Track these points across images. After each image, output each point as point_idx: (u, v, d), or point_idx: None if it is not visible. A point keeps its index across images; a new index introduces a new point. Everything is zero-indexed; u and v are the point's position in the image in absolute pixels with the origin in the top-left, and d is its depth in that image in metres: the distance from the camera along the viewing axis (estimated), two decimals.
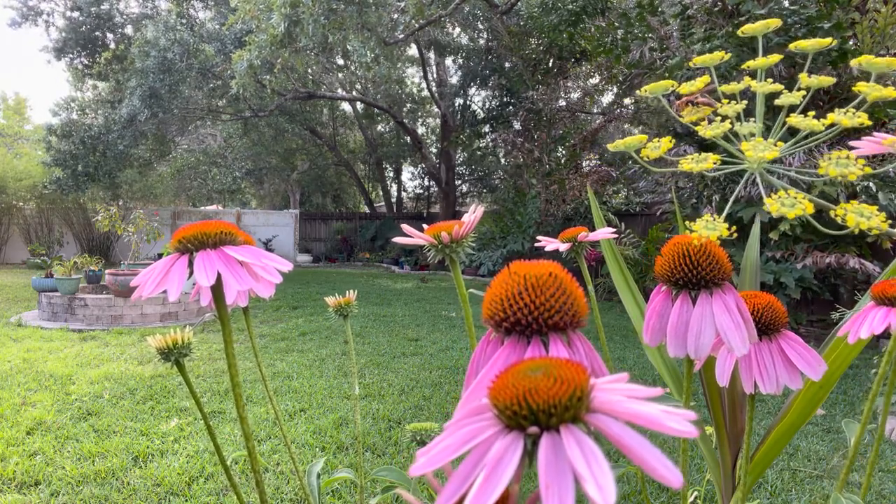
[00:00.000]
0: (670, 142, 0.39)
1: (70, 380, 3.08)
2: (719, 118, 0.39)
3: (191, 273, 0.35)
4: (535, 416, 0.18)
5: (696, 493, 1.11)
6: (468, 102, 12.14)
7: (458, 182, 13.59)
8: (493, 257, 8.56)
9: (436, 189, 13.96)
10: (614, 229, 0.66)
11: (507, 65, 10.23)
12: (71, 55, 10.85)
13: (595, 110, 9.06)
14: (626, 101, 8.33)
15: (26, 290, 6.68)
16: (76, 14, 10.56)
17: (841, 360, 0.66)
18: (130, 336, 4.28)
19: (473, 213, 0.46)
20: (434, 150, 13.96)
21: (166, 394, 2.88)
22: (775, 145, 0.35)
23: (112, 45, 10.75)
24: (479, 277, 8.71)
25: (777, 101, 0.38)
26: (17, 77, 70.24)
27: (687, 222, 0.38)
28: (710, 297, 0.40)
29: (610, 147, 0.41)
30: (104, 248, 11.25)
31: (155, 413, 2.60)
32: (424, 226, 0.48)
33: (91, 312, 4.79)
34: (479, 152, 12.72)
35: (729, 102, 0.40)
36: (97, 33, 10.69)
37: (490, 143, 11.70)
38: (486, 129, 11.59)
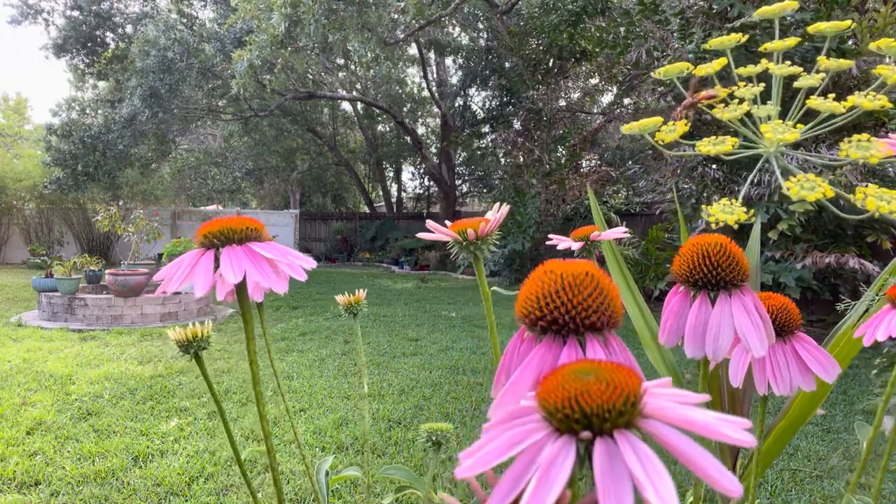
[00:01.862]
0: (686, 125, 0.38)
1: (70, 380, 3.07)
2: (736, 101, 0.38)
3: (216, 268, 0.34)
4: (588, 421, 0.18)
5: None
6: (468, 102, 12.14)
7: (458, 182, 13.60)
8: (493, 257, 8.56)
9: (436, 189, 13.96)
10: (624, 229, 0.66)
11: (507, 65, 10.22)
12: (71, 54, 10.84)
13: (595, 110, 9.06)
14: (626, 101, 8.33)
15: (26, 290, 6.67)
16: (76, 13, 10.55)
17: (840, 358, 0.66)
18: (130, 336, 4.27)
19: (498, 212, 0.46)
20: (434, 150, 13.96)
21: (166, 394, 2.88)
22: (793, 127, 0.35)
23: (112, 45, 10.74)
24: None
25: (796, 84, 0.37)
26: (17, 77, 70.09)
27: (703, 206, 0.38)
28: (729, 297, 0.40)
29: (624, 129, 0.41)
30: (104, 248, 11.23)
31: (155, 413, 2.59)
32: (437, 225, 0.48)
33: (91, 312, 4.79)
34: (479, 152, 12.72)
35: (746, 85, 0.39)
36: (97, 32, 10.68)
37: (490, 143, 11.71)
38: (486, 129, 11.59)
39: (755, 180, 4.37)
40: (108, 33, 10.85)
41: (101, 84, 11.30)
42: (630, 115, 7.71)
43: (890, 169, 4.29)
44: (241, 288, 0.37)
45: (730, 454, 0.84)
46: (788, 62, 0.39)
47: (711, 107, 0.40)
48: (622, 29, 5.57)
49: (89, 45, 10.72)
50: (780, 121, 0.36)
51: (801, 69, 0.38)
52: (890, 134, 0.39)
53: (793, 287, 4.23)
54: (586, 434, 0.17)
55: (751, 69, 0.40)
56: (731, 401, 0.85)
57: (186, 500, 1.81)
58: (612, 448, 0.17)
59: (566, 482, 0.16)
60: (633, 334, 0.85)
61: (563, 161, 8.43)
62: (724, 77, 0.43)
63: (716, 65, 0.41)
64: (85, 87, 12.23)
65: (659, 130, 0.41)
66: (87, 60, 10.95)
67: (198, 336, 0.48)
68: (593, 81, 8.64)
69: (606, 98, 9.20)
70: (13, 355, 3.56)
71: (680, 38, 4.76)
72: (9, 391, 2.84)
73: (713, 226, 0.36)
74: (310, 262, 0.35)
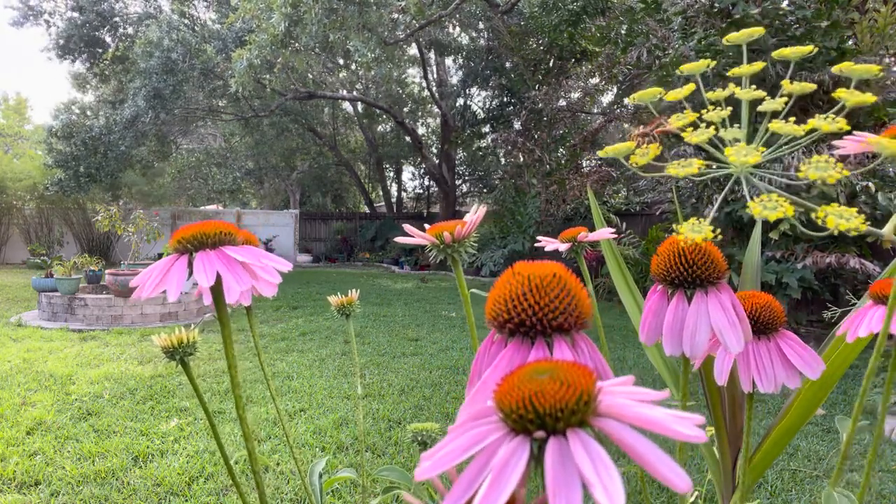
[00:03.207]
0: (658, 149, 0.39)
1: (70, 380, 3.08)
2: (704, 124, 0.40)
3: (190, 273, 0.35)
4: (542, 420, 0.18)
5: (696, 492, 1.11)
6: (468, 102, 12.14)
7: (458, 182, 13.60)
8: (493, 258, 8.57)
9: (436, 189, 13.96)
10: (614, 229, 0.66)
11: (507, 65, 10.23)
12: (73, 56, 10.85)
13: (595, 110, 9.06)
14: (626, 101, 8.33)
15: (26, 290, 6.68)
16: (77, 14, 10.56)
17: (841, 360, 0.66)
18: (130, 336, 4.28)
19: (475, 214, 0.46)
20: (434, 150, 13.96)
21: (166, 394, 2.88)
22: (756, 150, 0.36)
23: (113, 46, 10.75)
24: (479, 278, 8.71)
25: (759, 108, 0.39)
26: (18, 77, 70.19)
27: (674, 225, 0.39)
28: (705, 295, 0.40)
29: (600, 154, 0.42)
30: (104, 248, 11.24)
31: (155, 413, 2.60)
32: (426, 226, 0.48)
33: (91, 312, 4.79)
34: (479, 152, 12.73)
35: (714, 109, 0.40)
36: (98, 33, 10.69)
37: (490, 143, 11.71)
38: (487, 129, 11.59)
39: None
40: (109, 34, 10.86)
41: (103, 85, 11.32)
42: (630, 114, 7.71)
43: (890, 169, 4.28)
44: (216, 292, 0.37)
45: (730, 455, 0.84)
46: (754, 86, 0.40)
47: (683, 130, 0.41)
48: (623, 27, 5.57)
49: (90, 46, 10.73)
50: (745, 143, 0.38)
51: (764, 93, 0.39)
52: (854, 132, 0.40)
53: (795, 287, 4.23)
54: (540, 434, 0.18)
55: (719, 94, 0.42)
56: (731, 402, 0.85)
57: (186, 500, 1.81)
58: (564, 447, 0.17)
59: (519, 482, 0.16)
60: (633, 334, 0.85)
61: (563, 161, 8.43)
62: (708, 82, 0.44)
63: (685, 90, 0.42)
64: (86, 88, 12.25)
65: (633, 154, 0.42)
66: (89, 62, 10.96)
67: (183, 342, 0.48)
68: (593, 81, 8.64)
69: (607, 98, 9.20)
70: (13, 355, 3.57)
71: (681, 36, 4.77)
72: (9, 391, 2.85)
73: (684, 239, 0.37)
74: (285, 265, 0.36)
